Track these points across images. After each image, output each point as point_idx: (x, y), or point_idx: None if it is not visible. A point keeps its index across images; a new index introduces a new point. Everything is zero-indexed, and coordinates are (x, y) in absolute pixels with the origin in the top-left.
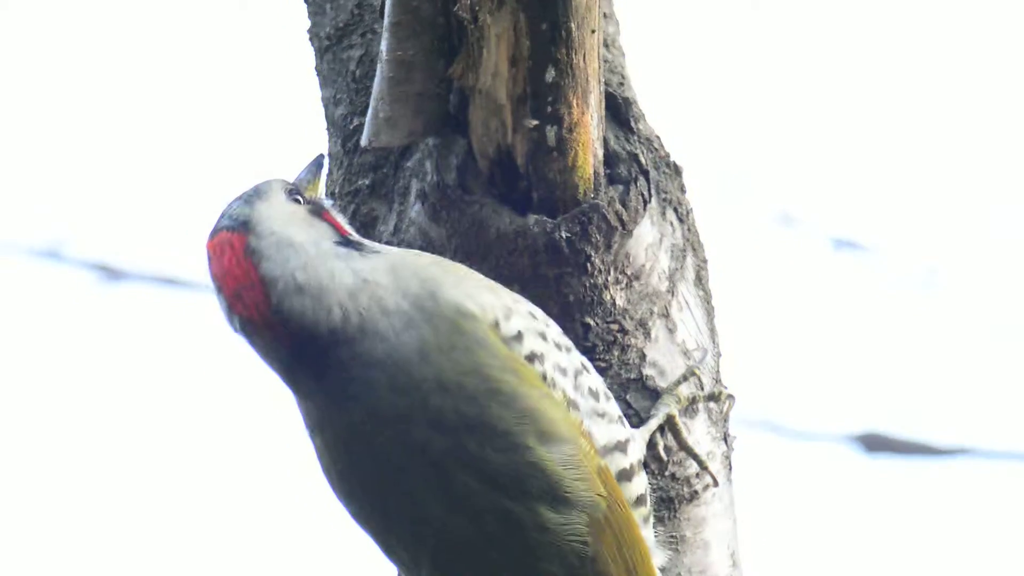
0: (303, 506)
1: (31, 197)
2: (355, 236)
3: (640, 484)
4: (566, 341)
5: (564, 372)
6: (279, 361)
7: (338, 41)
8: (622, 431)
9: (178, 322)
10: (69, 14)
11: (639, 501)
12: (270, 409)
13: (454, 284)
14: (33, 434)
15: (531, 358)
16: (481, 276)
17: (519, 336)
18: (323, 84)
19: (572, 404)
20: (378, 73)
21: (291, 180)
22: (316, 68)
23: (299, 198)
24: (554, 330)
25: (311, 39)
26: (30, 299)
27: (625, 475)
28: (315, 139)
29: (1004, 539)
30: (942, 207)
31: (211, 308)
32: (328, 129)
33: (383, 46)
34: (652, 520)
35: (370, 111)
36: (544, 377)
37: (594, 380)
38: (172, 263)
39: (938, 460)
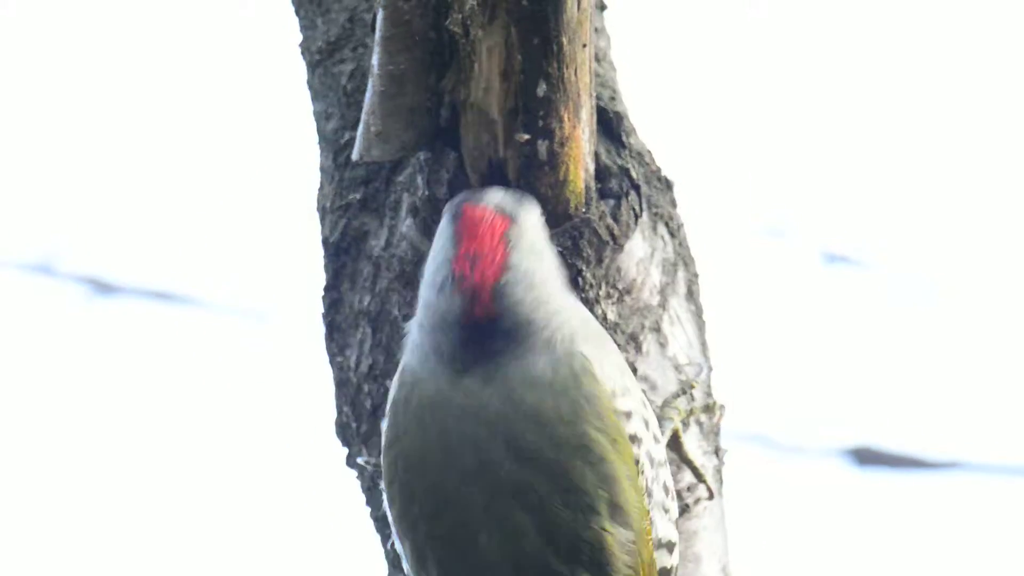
0: (295, 516)
1: (22, 211)
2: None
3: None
4: (658, 432)
5: (652, 462)
6: (452, 330)
7: (329, 55)
8: (675, 533)
9: (171, 336)
10: (60, 27)
11: None
12: (263, 423)
13: (600, 344)
14: (26, 448)
15: (632, 439)
16: (620, 355)
17: (628, 415)
18: (314, 98)
19: (648, 493)
20: (369, 87)
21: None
22: (308, 82)
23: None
24: (653, 421)
25: (302, 53)
26: (22, 313)
27: (665, 573)
28: (307, 153)
29: (996, 553)
30: (934, 221)
31: (204, 322)
32: (319, 143)
33: (374, 60)
34: None
35: (361, 125)
36: (637, 461)
37: (668, 475)
38: (164, 277)
39: (930, 474)
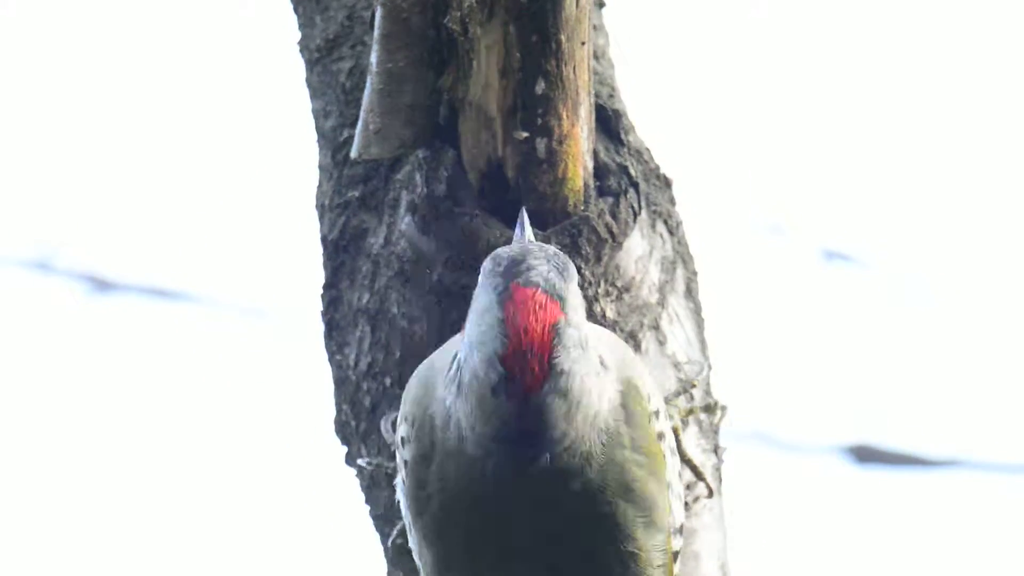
0: (294, 513)
1: (20, 208)
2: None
3: (679, 566)
4: (670, 421)
5: (672, 453)
6: (494, 419)
7: (328, 53)
8: (684, 516)
9: (169, 334)
10: (59, 24)
11: None
12: (262, 421)
13: (628, 358)
14: (23, 445)
15: (659, 436)
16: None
17: (657, 414)
18: (313, 96)
19: (669, 485)
20: (368, 85)
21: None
22: (306, 80)
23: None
24: (664, 409)
25: (301, 51)
26: (20, 310)
27: (676, 556)
28: (305, 151)
29: (995, 551)
30: (933, 219)
31: (202, 319)
32: (318, 141)
33: (373, 58)
34: None
35: (360, 123)
36: (664, 458)
37: (677, 462)
38: (163, 275)
39: (929, 471)
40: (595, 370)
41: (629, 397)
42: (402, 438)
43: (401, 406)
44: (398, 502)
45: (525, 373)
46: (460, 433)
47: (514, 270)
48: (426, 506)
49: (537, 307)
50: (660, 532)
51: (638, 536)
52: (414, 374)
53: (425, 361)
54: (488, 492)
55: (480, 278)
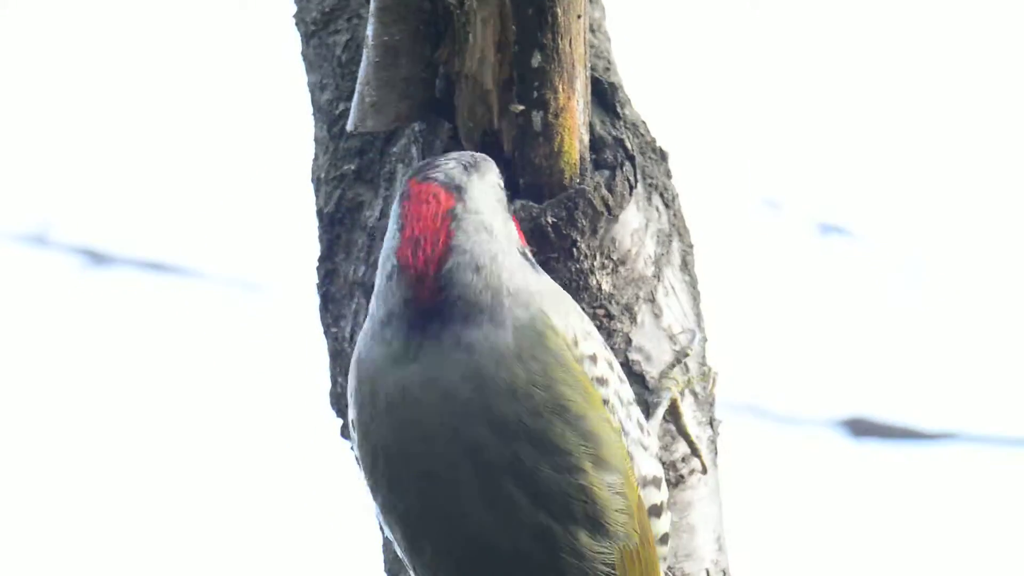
0: (290, 486)
1: (16, 182)
2: (527, 248)
3: (666, 523)
4: (624, 375)
5: (621, 401)
6: (400, 310)
7: (324, 26)
8: (658, 467)
9: (165, 307)
10: (52, 4)
11: (662, 540)
12: (258, 393)
13: (555, 299)
14: (18, 420)
15: (598, 381)
16: (575, 304)
17: (593, 358)
18: (309, 69)
19: (624, 432)
20: (364, 58)
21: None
22: (302, 53)
23: (505, 190)
24: (616, 363)
25: (297, 24)
26: (15, 284)
27: (655, 511)
28: (301, 124)
29: (990, 524)
30: (929, 192)
31: (198, 293)
32: (314, 114)
33: (369, 31)
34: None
35: (356, 96)
36: (606, 402)
37: (640, 413)
38: (159, 247)
39: (924, 445)
40: (512, 257)
41: (549, 329)
42: (346, 405)
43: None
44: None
45: (416, 260)
46: (384, 358)
47: (416, 170)
48: (374, 461)
49: (430, 198)
50: (613, 472)
51: (587, 469)
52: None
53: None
54: (404, 407)
55: None
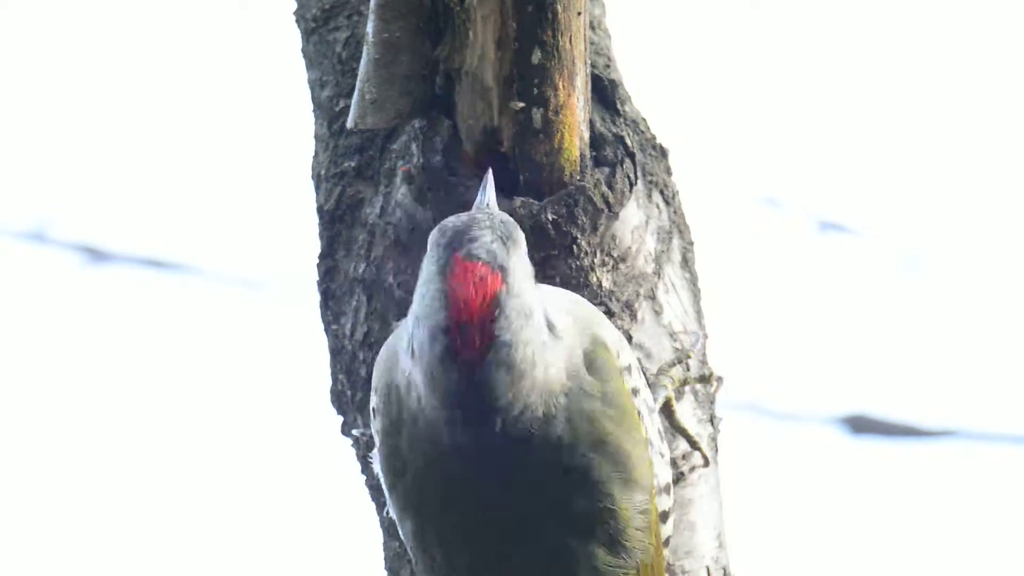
0: (290, 484)
1: (15, 179)
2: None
3: (670, 526)
4: (643, 374)
5: (649, 409)
6: (443, 389)
7: (324, 23)
8: (669, 473)
9: (164, 304)
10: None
11: (666, 543)
12: (260, 391)
13: (590, 316)
14: (18, 417)
15: (633, 392)
16: (600, 314)
17: (629, 369)
18: (309, 66)
19: (649, 442)
20: (364, 55)
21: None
22: (302, 50)
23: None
24: (637, 367)
25: (297, 21)
26: (14, 281)
27: (664, 517)
28: (301, 121)
29: (990, 521)
30: (927, 189)
31: (198, 290)
32: (314, 111)
33: (369, 28)
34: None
35: (356, 93)
36: (639, 413)
37: (659, 420)
38: (158, 244)
39: (924, 442)
40: (541, 338)
41: (596, 352)
42: (373, 409)
43: (372, 378)
44: (378, 476)
45: (467, 345)
46: (420, 402)
47: (457, 242)
48: (400, 476)
49: (478, 279)
50: (641, 491)
51: (615, 493)
52: (384, 345)
53: (393, 332)
54: (452, 459)
55: (428, 248)
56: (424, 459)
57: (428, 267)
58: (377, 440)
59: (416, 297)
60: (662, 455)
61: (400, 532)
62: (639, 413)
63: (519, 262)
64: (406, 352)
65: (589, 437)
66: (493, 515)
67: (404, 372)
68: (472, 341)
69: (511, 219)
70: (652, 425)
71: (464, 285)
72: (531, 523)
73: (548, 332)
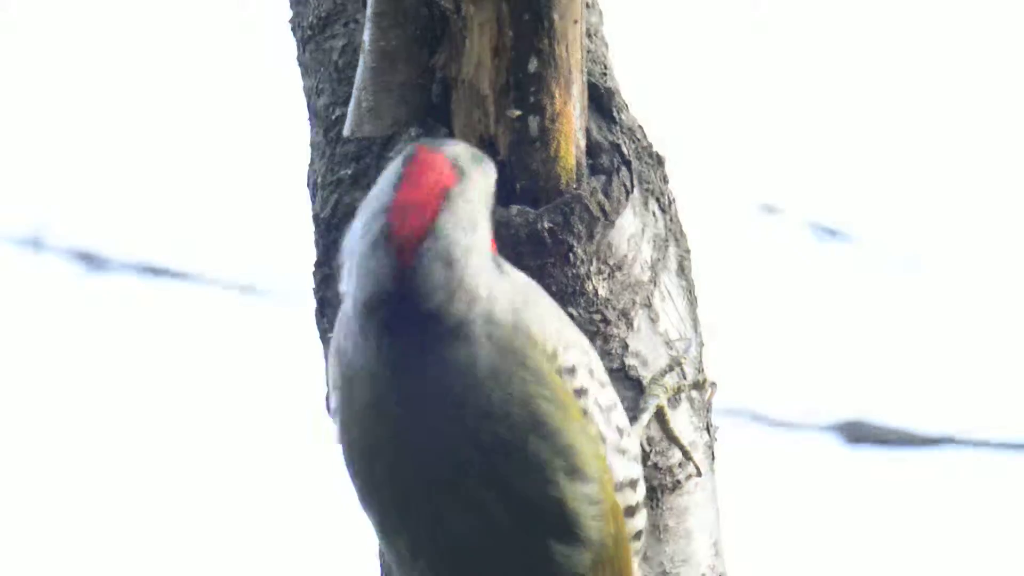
0: (292, 497)
1: (12, 185)
2: (498, 256)
3: (640, 520)
4: (606, 377)
5: (601, 408)
6: (374, 278)
7: (320, 31)
8: (636, 469)
9: (162, 312)
10: (48, 7)
11: (636, 536)
12: (257, 399)
13: (535, 306)
14: (14, 426)
15: (578, 392)
16: (557, 306)
17: (572, 370)
18: (305, 74)
19: (602, 439)
20: (361, 63)
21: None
22: (298, 58)
23: (495, 201)
24: (598, 366)
25: (293, 29)
26: (11, 289)
27: (630, 511)
28: (297, 129)
29: (987, 529)
30: (925, 196)
31: (195, 298)
32: (310, 119)
33: (366, 36)
34: (643, 555)
35: (353, 101)
36: (584, 412)
37: (622, 417)
38: (156, 252)
39: (921, 450)
40: (486, 261)
41: (527, 341)
42: (328, 396)
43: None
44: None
45: (405, 225)
46: (354, 347)
47: (428, 140)
48: (352, 465)
49: (433, 167)
50: (589, 482)
51: (560, 481)
52: (331, 352)
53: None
54: (383, 404)
55: None
56: (361, 426)
57: (388, 167)
58: (339, 439)
59: (364, 201)
60: (623, 451)
61: (376, 531)
62: (585, 411)
63: (481, 181)
64: (345, 283)
65: (525, 416)
66: (439, 495)
67: (344, 314)
68: (411, 221)
69: (492, 160)
70: (608, 423)
71: (419, 169)
72: (475, 502)
73: (496, 268)
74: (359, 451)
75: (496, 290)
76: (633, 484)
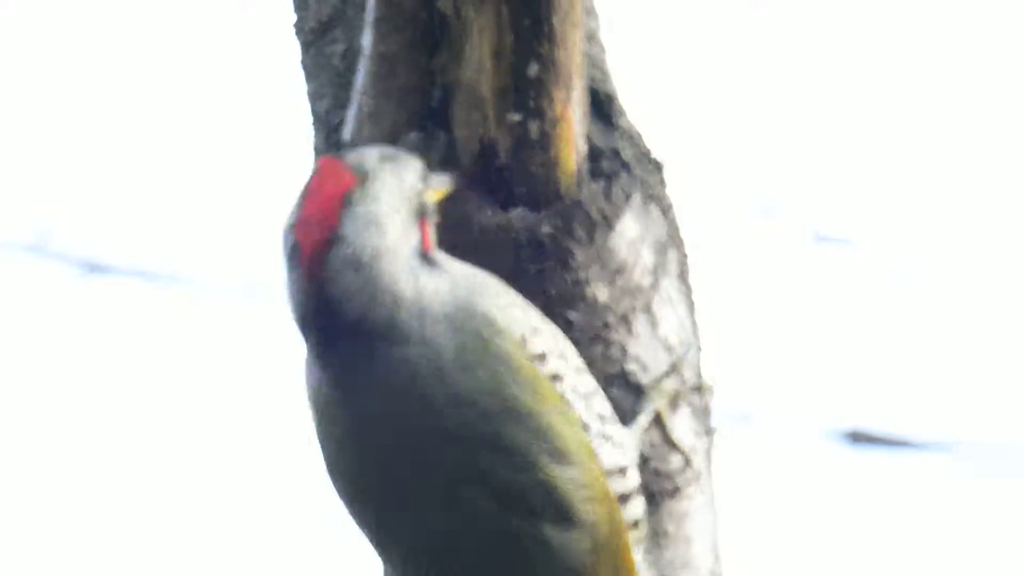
0: (294, 500)
1: (15, 190)
2: (435, 254)
3: (637, 508)
4: (582, 363)
5: (579, 394)
6: (298, 294)
7: (322, 35)
8: (624, 456)
9: (164, 316)
10: (49, 11)
11: (633, 525)
12: (257, 402)
13: (493, 295)
14: (16, 429)
15: (553, 378)
16: (516, 294)
17: (543, 356)
18: (307, 78)
19: (585, 426)
20: (361, 68)
21: (427, 170)
22: (301, 62)
23: (421, 190)
24: (571, 351)
25: (296, 33)
26: (13, 293)
27: (622, 499)
28: (300, 133)
29: (987, 533)
30: (924, 201)
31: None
32: (313, 123)
33: (366, 41)
34: (644, 545)
35: (353, 105)
36: (562, 398)
37: (603, 404)
38: (158, 257)
39: (922, 454)
40: (401, 254)
41: (490, 328)
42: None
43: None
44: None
45: (308, 238)
46: (314, 373)
47: (338, 153)
48: (332, 474)
49: (333, 175)
50: (573, 466)
51: (543, 464)
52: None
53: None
54: (337, 403)
55: None
56: (332, 446)
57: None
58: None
59: None
60: (607, 438)
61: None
62: (562, 396)
63: (391, 180)
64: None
65: (496, 403)
66: (421, 497)
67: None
68: (315, 233)
69: (419, 158)
70: (588, 409)
71: (319, 182)
72: (460, 498)
73: (419, 261)
74: (339, 473)
75: (425, 285)
76: (623, 471)
